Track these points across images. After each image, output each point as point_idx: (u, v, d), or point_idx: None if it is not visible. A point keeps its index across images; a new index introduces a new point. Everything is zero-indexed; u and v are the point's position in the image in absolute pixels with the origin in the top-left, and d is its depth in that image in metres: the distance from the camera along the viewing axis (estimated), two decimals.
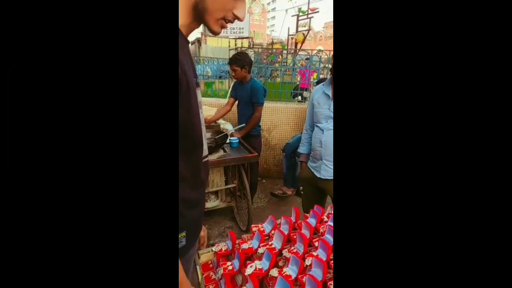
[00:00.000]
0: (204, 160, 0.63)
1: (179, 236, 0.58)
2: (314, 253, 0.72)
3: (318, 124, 1.28)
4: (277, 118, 2.84)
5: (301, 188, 2.17)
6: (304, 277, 0.62)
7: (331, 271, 0.66)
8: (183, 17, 0.52)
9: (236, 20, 0.55)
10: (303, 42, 6.69)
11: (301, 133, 1.62)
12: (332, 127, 1.22)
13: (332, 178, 1.24)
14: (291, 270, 0.67)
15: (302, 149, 1.46)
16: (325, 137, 1.24)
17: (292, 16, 8.45)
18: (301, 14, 7.53)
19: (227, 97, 2.45)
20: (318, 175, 1.29)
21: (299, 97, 3.50)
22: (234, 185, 1.91)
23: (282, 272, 0.66)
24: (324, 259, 0.68)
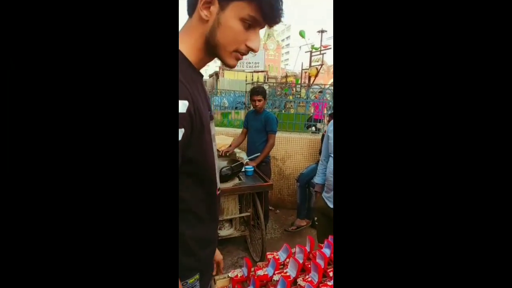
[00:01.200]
0: (218, 189, 0.60)
1: (193, 279, 0.55)
2: (329, 283, 0.72)
3: (333, 155, 1.34)
4: (291, 148, 2.91)
5: (316, 219, 2.14)
6: None
7: None
8: (196, 53, 0.51)
9: (250, 52, 0.52)
10: (316, 76, 6.97)
11: (316, 163, 1.67)
12: None
13: None
14: None
15: (317, 179, 1.50)
16: None
17: (305, 52, 8.93)
18: (314, 50, 7.94)
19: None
20: (331, 206, 1.31)
21: (313, 128, 3.59)
22: (248, 213, 1.92)
23: None
24: None
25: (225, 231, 1.91)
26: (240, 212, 1.92)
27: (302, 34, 8.77)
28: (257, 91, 2.23)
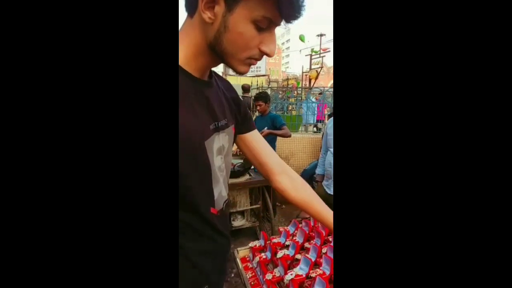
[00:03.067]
0: (220, 210, 0.54)
1: None
2: (331, 244, 0.94)
3: (330, 149, 1.55)
4: (295, 147, 3.12)
5: None
6: (321, 259, 0.85)
7: None
8: (198, 59, 0.45)
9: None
10: (316, 78, 7.18)
11: (317, 160, 1.89)
12: None
13: None
14: (312, 256, 0.89)
15: (318, 170, 1.72)
16: None
17: (305, 55, 9.17)
18: (313, 54, 8.16)
19: None
20: (329, 192, 1.52)
21: (314, 128, 3.80)
22: (258, 205, 2.14)
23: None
24: None
25: (238, 222, 2.12)
26: (251, 205, 2.13)
27: (302, 38, 9.02)
28: (256, 97, 2.58)
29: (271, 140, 2.49)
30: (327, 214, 0.66)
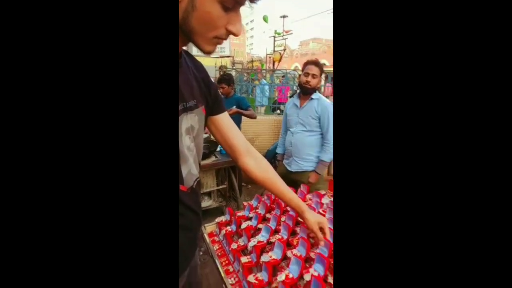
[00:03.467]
0: (189, 188, 0.57)
1: None
2: (289, 213, 1.05)
3: (290, 129, 1.66)
4: (259, 129, 3.21)
5: None
6: (280, 226, 0.95)
7: (299, 222, 0.99)
8: None
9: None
10: (280, 61, 7.24)
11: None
12: (299, 131, 1.59)
13: (299, 170, 1.60)
14: (272, 224, 0.99)
15: (279, 150, 1.83)
16: (294, 139, 1.62)
17: (269, 37, 9.13)
18: (276, 35, 8.16)
19: None
20: (289, 169, 1.65)
21: (278, 111, 3.92)
22: (224, 186, 2.21)
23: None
24: (294, 215, 1.02)
25: (205, 203, 2.18)
26: (217, 186, 2.19)
27: (265, 19, 8.89)
28: (219, 80, 2.57)
29: (236, 121, 2.53)
30: (286, 191, 0.78)
